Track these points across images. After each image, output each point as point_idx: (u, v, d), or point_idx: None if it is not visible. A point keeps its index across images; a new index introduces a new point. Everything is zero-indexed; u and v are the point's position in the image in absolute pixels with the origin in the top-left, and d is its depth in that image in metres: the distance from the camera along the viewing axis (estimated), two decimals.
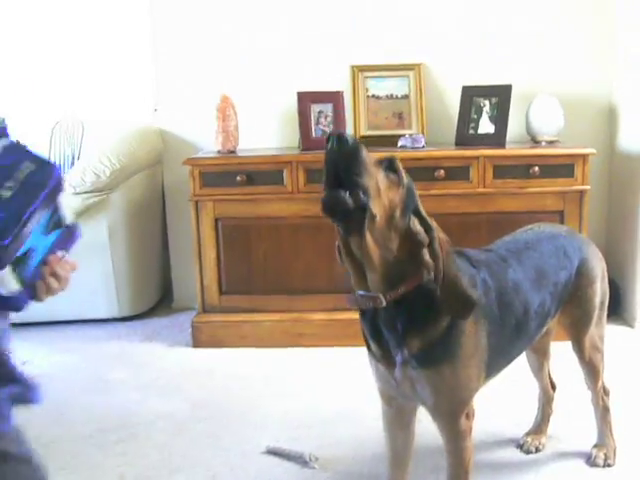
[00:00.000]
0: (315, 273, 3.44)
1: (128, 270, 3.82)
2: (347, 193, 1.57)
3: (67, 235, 1.43)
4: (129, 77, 5.23)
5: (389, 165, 1.69)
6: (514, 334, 1.99)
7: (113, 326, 3.83)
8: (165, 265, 4.21)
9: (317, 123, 3.66)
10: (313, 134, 3.65)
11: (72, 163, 4.64)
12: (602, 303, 2.30)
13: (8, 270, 1.31)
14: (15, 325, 3.83)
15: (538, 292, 2.05)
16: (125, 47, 5.22)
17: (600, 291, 2.27)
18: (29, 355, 3.47)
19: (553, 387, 2.55)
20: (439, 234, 1.73)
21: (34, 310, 3.72)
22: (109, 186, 3.67)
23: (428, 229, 1.71)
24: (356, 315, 3.38)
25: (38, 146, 4.82)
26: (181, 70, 3.98)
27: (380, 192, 1.63)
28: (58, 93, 5.33)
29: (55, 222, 1.39)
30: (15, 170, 1.30)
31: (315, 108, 3.66)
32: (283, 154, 3.53)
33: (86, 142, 4.61)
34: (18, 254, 1.30)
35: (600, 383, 2.35)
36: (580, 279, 2.19)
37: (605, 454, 2.37)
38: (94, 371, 3.29)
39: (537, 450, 2.47)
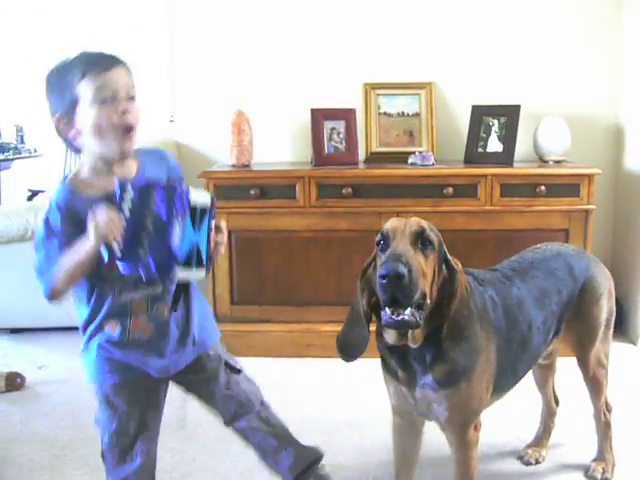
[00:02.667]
0: (325, 285, 3.51)
1: None
2: (410, 315, 1.69)
3: (212, 210, 1.73)
4: (146, 89, 5.34)
5: (422, 238, 1.76)
6: (520, 349, 2.07)
7: None
8: None
9: (330, 139, 3.73)
10: (325, 150, 3.71)
11: None
12: (608, 321, 2.35)
13: (184, 271, 1.66)
14: (32, 330, 3.95)
15: (541, 310, 2.12)
16: (142, 59, 5.33)
17: (606, 309, 2.32)
18: (46, 360, 3.56)
19: (556, 402, 2.61)
20: (461, 275, 1.82)
21: (50, 316, 3.82)
22: None
23: (454, 274, 1.81)
24: None
25: (54, 155, 4.93)
26: (197, 84, 4.05)
27: (427, 276, 1.73)
28: None
29: (198, 215, 1.68)
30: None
31: (328, 125, 3.73)
32: (296, 169, 3.60)
33: None
34: (183, 258, 1.64)
35: (603, 399, 2.41)
36: (585, 297, 2.25)
37: (604, 468, 2.42)
38: None
39: (537, 462, 2.54)
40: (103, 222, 1.58)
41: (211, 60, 4.02)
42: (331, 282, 3.51)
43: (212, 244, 1.76)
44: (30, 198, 4.28)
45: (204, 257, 1.71)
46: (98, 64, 1.72)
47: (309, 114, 3.72)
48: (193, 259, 1.67)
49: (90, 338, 1.87)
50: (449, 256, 1.84)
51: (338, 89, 3.92)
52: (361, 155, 3.84)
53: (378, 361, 3.33)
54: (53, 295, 1.76)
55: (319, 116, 3.73)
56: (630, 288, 3.76)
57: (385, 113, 3.90)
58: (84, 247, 1.64)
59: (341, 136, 3.74)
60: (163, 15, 4.18)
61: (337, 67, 3.95)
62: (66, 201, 1.73)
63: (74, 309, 3.85)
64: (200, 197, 1.72)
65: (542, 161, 3.72)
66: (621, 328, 3.73)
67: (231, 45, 3.98)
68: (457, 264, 1.84)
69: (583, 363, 2.35)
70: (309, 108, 3.73)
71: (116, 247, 1.59)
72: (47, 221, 1.74)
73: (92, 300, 1.82)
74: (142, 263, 1.61)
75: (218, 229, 1.80)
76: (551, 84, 3.93)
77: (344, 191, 3.41)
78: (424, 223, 1.78)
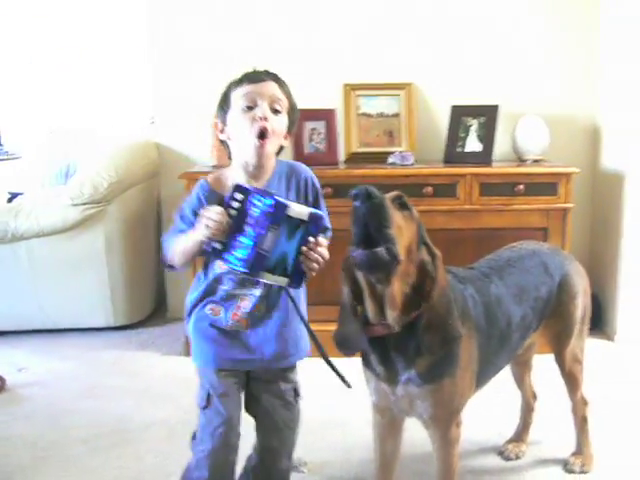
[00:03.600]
0: (308, 285, 3.52)
1: (124, 280, 3.90)
2: (383, 250, 1.67)
3: (311, 225, 1.80)
4: (126, 89, 5.33)
5: (400, 203, 1.77)
6: (499, 345, 2.09)
7: (109, 335, 3.91)
8: (160, 276, 4.28)
9: (310, 140, 3.74)
10: (306, 150, 3.73)
11: (67, 173, 4.71)
12: (583, 318, 2.39)
13: (269, 276, 1.78)
14: (13, 333, 3.94)
15: (519, 306, 2.15)
16: (123, 60, 5.32)
17: (581, 306, 2.36)
18: (26, 362, 3.55)
19: (534, 397, 2.65)
20: (440, 262, 1.83)
21: (31, 318, 3.81)
22: (106, 198, 3.75)
23: (433, 257, 1.82)
24: None
25: (34, 156, 4.92)
26: (178, 85, 4.05)
27: (402, 234, 1.72)
28: (54, 104, 5.42)
29: (294, 227, 1.78)
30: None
31: (308, 125, 3.75)
32: None
33: (82, 153, 4.69)
34: (272, 264, 1.77)
35: (580, 394, 2.46)
36: (562, 294, 2.29)
37: (581, 461, 2.47)
38: (90, 378, 3.37)
39: (517, 457, 2.57)
40: (211, 221, 1.73)
41: (192, 61, 4.02)
42: (312, 282, 3.49)
43: (305, 258, 1.80)
44: (9, 201, 4.25)
45: (289, 267, 1.80)
46: (252, 76, 1.96)
47: None
48: (280, 266, 1.79)
49: (193, 317, 2.04)
50: (429, 241, 1.84)
51: (318, 90, 3.92)
52: (341, 155, 3.86)
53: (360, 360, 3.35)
54: (168, 263, 1.97)
55: (299, 117, 3.73)
56: (607, 285, 3.80)
57: (365, 113, 3.92)
58: (192, 236, 1.83)
59: (321, 136, 3.76)
60: (143, 16, 4.18)
61: (317, 68, 3.96)
62: (203, 194, 1.95)
63: (55, 312, 3.87)
64: (299, 210, 1.79)
65: (521, 160, 3.75)
66: (598, 325, 3.78)
67: (211, 46, 3.98)
68: (438, 251, 1.85)
69: (560, 359, 2.39)
70: None
71: (217, 245, 1.77)
72: (185, 205, 1.97)
73: (205, 285, 1.99)
74: (235, 260, 1.76)
75: (316, 245, 1.81)
76: (529, 84, 3.97)
77: (324, 191, 3.42)
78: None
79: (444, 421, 1.98)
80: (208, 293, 1.99)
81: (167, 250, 1.95)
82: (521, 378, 2.62)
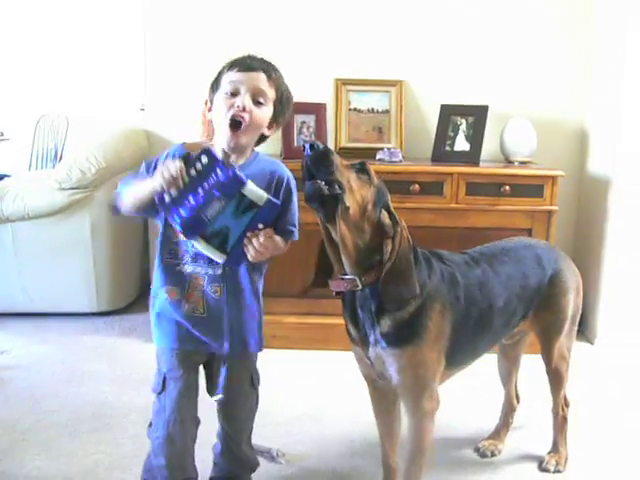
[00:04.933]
0: (290, 278, 3.52)
1: (108, 266, 3.90)
2: (322, 182, 1.83)
3: (264, 212, 1.85)
4: (117, 75, 5.31)
5: (360, 168, 1.94)
6: (478, 326, 2.15)
7: (91, 320, 3.91)
8: (145, 263, 4.28)
9: (299, 133, 3.76)
10: (295, 143, 3.74)
11: (55, 157, 4.70)
12: (574, 317, 2.45)
13: (204, 244, 1.85)
14: None
15: (504, 291, 2.21)
16: (115, 46, 5.30)
17: (573, 304, 2.42)
18: (7, 345, 3.55)
19: (517, 399, 2.69)
20: (403, 230, 1.94)
21: (15, 301, 3.82)
22: (94, 183, 3.75)
23: (394, 223, 1.94)
24: (326, 320, 3.52)
25: (22, 138, 4.90)
26: (169, 72, 4.05)
27: (352, 188, 1.88)
28: (44, 87, 5.40)
29: (245, 207, 1.83)
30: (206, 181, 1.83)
31: (298, 118, 3.75)
32: None
33: (71, 138, 4.67)
34: (208, 232, 1.83)
35: (562, 393, 2.50)
36: (553, 288, 2.34)
37: (557, 461, 2.51)
38: (71, 363, 3.37)
39: (492, 455, 2.60)
40: (168, 172, 1.79)
41: (183, 50, 4.01)
42: (296, 274, 3.52)
43: (248, 241, 1.87)
44: None
45: (229, 244, 1.86)
46: (243, 63, 1.98)
47: None
48: (217, 238, 1.85)
49: (154, 299, 2.06)
50: (393, 210, 1.97)
51: (309, 83, 3.92)
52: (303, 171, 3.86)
53: (339, 354, 3.40)
54: (118, 207, 1.96)
55: None
56: (589, 289, 3.83)
57: (355, 109, 3.94)
58: (148, 182, 1.86)
59: (311, 130, 3.77)
60: (137, 2, 4.17)
61: (309, 62, 3.97)
62: (176, 152, 1.96)
63: (39, 296, 3.86)
64: (258, 193, 1.85)
65: (508, 161, 3.78)
66: (579, 328, 3.79)
67: (203, 35, 3.98)
68: (401, 220, 1.96)
69: (547, 354, 2.43)
70: None
71: (167, 197, 1.81)
72: (154, 158, 2.00)
73: (161, 266, 2.01)
74: (176, 216, 1.83)
75: (264, 234, 1.87)
76: (519, 86, 3.99)
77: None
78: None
79: (414, 391, 2.05)
80: (167, 273, 2.00)
81: (120, 193, 1.95)
82: (507, 375, 2.66)
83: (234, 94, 1.94)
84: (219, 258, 1.88)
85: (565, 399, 2.52)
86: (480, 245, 2.41)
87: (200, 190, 1.81)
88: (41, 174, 4.26)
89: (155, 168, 1.90)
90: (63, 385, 3.13)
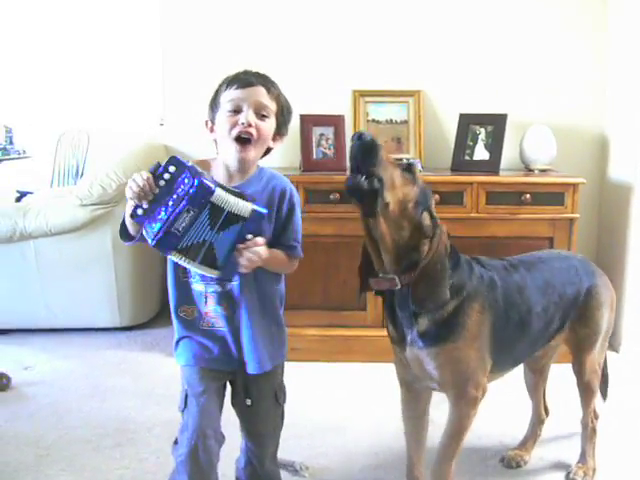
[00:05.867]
0: (311, 290, 3.53)
1: (130, 281, 3.92)
2: (363, 177, 1.85)
3: (250, 223, 1.82)
4: (137, 90, 5.36)
5: (407, 167, 1.98)
6: (517, 329, 2.18)
7: (114, 335, 3.93)
8: (166, 277, 4.28)
9: (318, 145, 3.76)
10: (314, 156, 3.74)
11: (76, 174, 4.74)
12: (607, 332, 2.44)
13: (184, 259, 1.79)
14: (20, 331, 3.96)
15: (542, 297, 2.23)
16: (134, 62, 5.35)
17: (607, 318, 2.41)
18: (31, 360, 3.57)
19: (547, 411, 2.68)
20: (442, 234, 1.98)
21: (38, 317, 3.84)
22: (115, 199, 3.77)
23: (434, 225, 1.96)
24: (347, 332, 3.52)
25: (44, 155, 4.94)
26: (188, 88, 4.07)
27: (395, 184, 1.90)
28: (66, 104, 5.45)
29: (225, 221, 1.78)
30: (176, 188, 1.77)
31: (317, 131, 3.77)
32: (284, 174, 3.59)
33: (92, 154, 4.71)
34: (183, 246, 1.76)
35: (592, 405, 2.48)
36: (589, 300, 2.35)
37: (584, 472, 2.47)
38: (94, 378, 3.38)
39: (518, 465, 2.57)
40: (134, 184, 1.77)
41: (201, 65, 4.03)
42: (317, 287, 3.54)
43: (237, 253, 1.85)
44: (18, 200, 4.28)
45: (219, 259, 1.81)
46: (241, 80, 1.97)
47: (298, 120, 3.74)
48: (195, 251, 1.78)
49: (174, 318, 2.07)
50: (434, 212, 1.99)
51: (327, 96, 3.95)
52: (349, 161, 3.86)
53: (361, 365, 3.40)
54: (125, 235, 1.93)
55: (308, 122, 3.76)
56: None
57: (374, 120, 3.94)
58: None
59: (330, 142, 3.77)
60: (156, 19, 4.21)
61: (326, 74, 3.99)
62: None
63: (61, 311, 3.89)
64: (237, 204, 1.79)
65: (528, 170, 3.76)
66: None
67: (222, 50, 4.01)
68: (442, 225, 2.00)
69: (579, 368, 2.42)
70: (298, 114, 3.75)
71: (139, 210, 1.78)
72: None
73: (175, 284, 2.04)
74: (149, 230, 1.78)
75: (253, 244, 1.86)
76: (538, 94, 3.98)
77: (332, 197, 3.44)
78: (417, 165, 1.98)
79: (456, 383, 2.08)
80: (180, 292, 2.03)
81: (123, 222, 1.93)
82: (534, 387, 2.65)
83: (236, 111, 1.95)
84: (210, 274, 1.84)
85: (594, 411, 2.51)
86: (502, 254, 2.40)
87: (170, 201, 1.75)
88: (63, 191, 4.29)
89: None
90: (86, 400, 3.14)
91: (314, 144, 3.76)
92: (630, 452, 2.70)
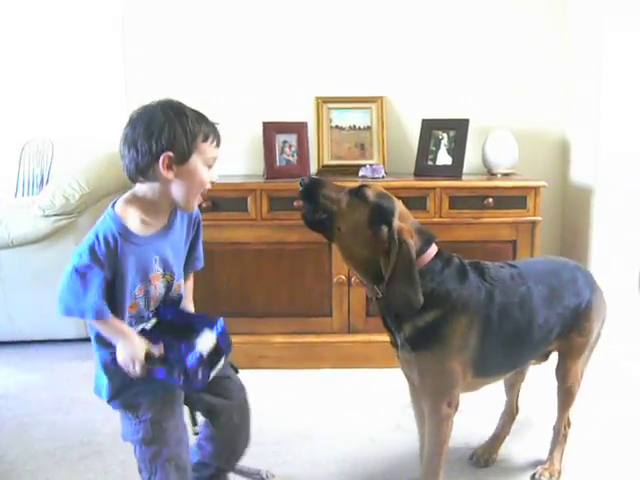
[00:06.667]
0: (276, 297, 3.53)
1: None
2: (308, 210, 2.13)
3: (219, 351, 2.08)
4: (100, 99, 5.31)
5: (356, 192, 2.10)
6: (514, 341, 2.22)
7: (79, 346, 3.86)
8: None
9: (282, 152, 3.75)
10: (277, 163, 3.73)
11: (41, 183, 4.69)
12: (594, 342, 2.49)
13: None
14: None
15: (546, 309, 2.28)
16: (96, 68, 5.30)
17: (598, 330, 2.47)
18: None
19: (517, 410, 2.71)
20: (403, 245, 2.02)
21: (1, 330, 3.77)
22: (78, 209, 3.74)
23: (391, 239, 2.03)
24: (314, 339, 3.53)
25: (7, 165, 4.87)
26: (152, 96, 4.02)
27: (343, 211, 2.09)
28: (28, 113, 5.39)
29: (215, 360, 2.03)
30: None
31: (280, 138, 3.76)
32: (248, 182, 3.60)
33: (56, 163, 4.66)
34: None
35: (567, 413, 2.53)
36: (590, 312, 2.40)
37: (550, 473, 2.50)
38: (59, 390, 3.34)
39: (486, 464, 2.61)
40: (129, 355, 1.88)
41: (164, 69, 4.02)
42: (283, 294, 3.53)
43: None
44: None
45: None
46: (217, 137, 1.99)
47: (261, 127, 3.75)
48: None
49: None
50: (395, 227, 2.04)
51: (290, 103, 3.96)
52: (313, 168, 3.88)
53: (328, 372, 3.40)
54: (95, 322, 1.93)
55: (271, 129, 3.75)
56: None
57: (337, 126, 3.95)
58: (115, 340, 1.92)
59: (293, 149, 3.77)
60: (117, 26, 4.18)
61: (289, 81, 3.99)
62: (119, 232, 1.87)
63: (25, 323, 3.82)
64: (206, 342, 1.99)
65: (490, 174, 3.79)
66: None
67: (184, 57, 4.00)
68: (406, 239, 2.03)
69: (564, 373, 2.46)
70: (261, 121, 3.76)
71: (139, 373, 1.90)
72: (92, 249, 1.88)
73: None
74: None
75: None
76: (499, 99, 4.02)
77: (295, 204, 3.44)
78: (374, 186, 2.15)
79: (433, 395, 2.17)
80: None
81: (96, 312, 1.87)
82: (511, 385, 2.68)
83: (210, 166, 1.97)
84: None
85: (568, 419, 2.55)
86: (466, 258, 2.43)
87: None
88: (25, 201, 4.25)
89: (99, 263, 1.86)
90: (51, 413, 3.11)
91: (277, 151, 3.75)
92: (593, 459, 2.70)
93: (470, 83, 4.01)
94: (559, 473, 2.51)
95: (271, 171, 3.71)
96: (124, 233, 1.87)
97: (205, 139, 1.93)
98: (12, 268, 3.76)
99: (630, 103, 3.61)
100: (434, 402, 2.16)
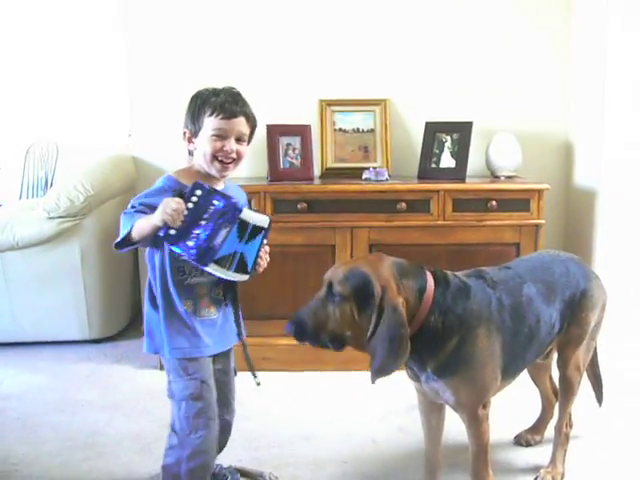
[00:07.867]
0: (280, 300, 3.53)
1: (99, 293, 3.90)
2: (319, 345, 2.12)
3: (268, 231, 2.14)
4: (104, 102, 5.34)
5: (329, 292, 2.11)
6: (527, 341, 2.27)
7: (83, 348, 3.90)
8: (135, 289, 4.28)
9: (285, 155, 3.76)
10: (281, 166, 3.74)
11: (45, 185, 4.72)
12: (594, 331, 2.51)
13: (220, 269, 2.04)
14: None
15: (547, 305, 2.32)
16: (101, 73, 5.33)
17: (597, 318, 2.48)
18: (0, 375, 3.54)
19: (555, 393, 2.74)
20: (389, 311, 2.01)
21: (6, 331, 3.80)
22: (82, 212, 3.76)
23: (380, 308, 2.02)
24: None
25: (12, 167, 4.90)
26: (155, 98, 4.05)
27: (339, 322, 2.07)
28: (34, 116, 5.41)
29: (251, 232, 2.07)
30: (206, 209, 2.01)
31: (283, 140, 3.77)
32: (251, 184, 3.59)
33: (60, 166, 4.68)
34: (218, 258, 2.02)
35: (569, 410, 2.54)
36: (585, 301, 2.42)
37: (553, 477, 2.50)
38: (63, 391, 3.36)
39: (527, 444, 2.76)
40: (170, 209, 1.95)
41: (169, 73, 4.02)
42: (286, 296, 3.53)
43: (260, 259, 2.18)
44: None
45: (249, 266, 2.11)
46: (226, 110, 2.15)
47: (265, 130, 3.75)
48: (228, 262, 2.05)
49: (169, 319, 2.19)
50: (376, 294, 2.02)
51: (294, 105, 3.96)
52: (316, 171, 3.88)
53: (331, 374, 3.41)
54: (120, 241, 2.09)
55: (275, 132, 3.76)
56: None
57: (340, 129, 3.96)
58: (151, 219, 2.01)
59: (296, 152, 3.78)
60: (121, 31, 4.19)
61: (293, 83, 3.99)
62: (168, 184, 2.15)
63: (30, 325, 3.85)
64: (257, 218, 2.09)
65: (494, 177, 3.80)
66: None
67: (188, 61, 4.00)
68: (393, 303, 2.02)
69: (563, 362, 2.48)
70: (265, 124, 3.76)
71: (172, 231, 1.97)
72: (147, 191, 2.16)
73: (173, 284, 2.16)
74: (185, 249, 1.99)
75: (266, 249, 2.21)
76: (503, 101, 4.02)
77: (299, 206, 3.45)
78: (338, 275, 2.09)
79: (469, 406, 2.19)
80: (178, 289, 2.16)
81: (123, 228, 2.08)
82: (537, 376, 2.76)
83: (220, 136, 2.15)
84: (241, 279, 2.13)
85: (570, 418, 2.56)
86: (469, 261, 2.46)
87: (202, 222, 1.99)
88: (30, 203, 4.27)
89: (148, 204, 2.07)
90: (55, 414, 3.12)
91: (281, 154, 3.76)
92: (596, 462, 2.70)
93: (474, 86, 4.01)
94: (562, 476, 2.52)
95: (275, 174, 3.72)
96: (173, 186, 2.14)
97: (212, 114, 2.14)
98: (17, 270, 3.78)
99: (633, 106, 3.61)
100: (471, 412, 2.19)
